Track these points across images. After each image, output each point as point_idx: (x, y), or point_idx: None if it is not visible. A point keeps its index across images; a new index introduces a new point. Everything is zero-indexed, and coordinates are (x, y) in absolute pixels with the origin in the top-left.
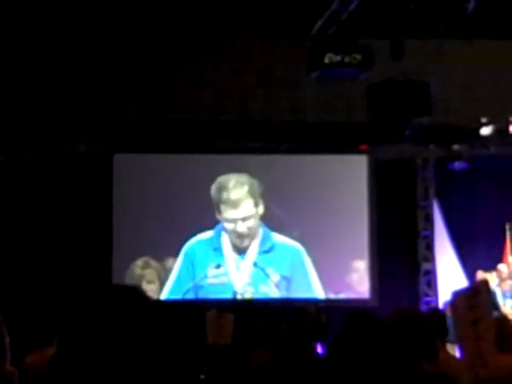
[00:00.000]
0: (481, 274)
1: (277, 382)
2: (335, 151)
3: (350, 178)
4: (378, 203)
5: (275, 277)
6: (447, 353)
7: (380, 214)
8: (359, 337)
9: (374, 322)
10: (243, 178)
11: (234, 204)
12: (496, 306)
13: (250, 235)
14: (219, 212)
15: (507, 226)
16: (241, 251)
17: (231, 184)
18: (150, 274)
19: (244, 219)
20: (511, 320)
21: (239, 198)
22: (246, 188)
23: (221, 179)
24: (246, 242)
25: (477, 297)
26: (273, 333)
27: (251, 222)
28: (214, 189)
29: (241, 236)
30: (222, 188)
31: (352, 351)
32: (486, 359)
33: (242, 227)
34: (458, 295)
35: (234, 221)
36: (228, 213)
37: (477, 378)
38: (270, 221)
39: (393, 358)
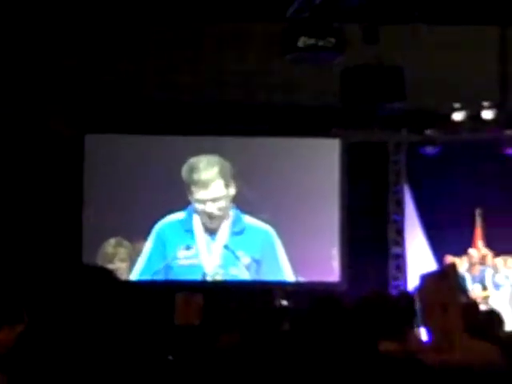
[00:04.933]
0: (450, 259)
1: (244, 364)
2: (307, 134)
3: (321, 161)
4: (349, 187)
5: (246, 259)
6: (415, 336)
7: (351, 198)
8: (322, 320)
9: (338, 306)
10: (214, 158)
11: (205, 184)
12: (464, 291)
13: (221, 216)
14: (190, 193)
15: (477, 212)
16: (211, 233)
17: (202, 165)
18: (122, 252)
19: (214, 200)
20: (479, 305)
21: (209, 178)
22: (216, 169)
23: (192, 160)
24: (216, 223)
25: (445, 280)
26: (242, 315)
27: (222, 203)
28: (185, 170)
29: (211, 217)
30: (193, 169)
31: (315, 335)
32: (453, 344)
33: (212, 208)
34: (426, 278)
35: (204, 201)
36: (198, 193)
37: (444, 362)
38: (241, 203)
39: (358, 341)
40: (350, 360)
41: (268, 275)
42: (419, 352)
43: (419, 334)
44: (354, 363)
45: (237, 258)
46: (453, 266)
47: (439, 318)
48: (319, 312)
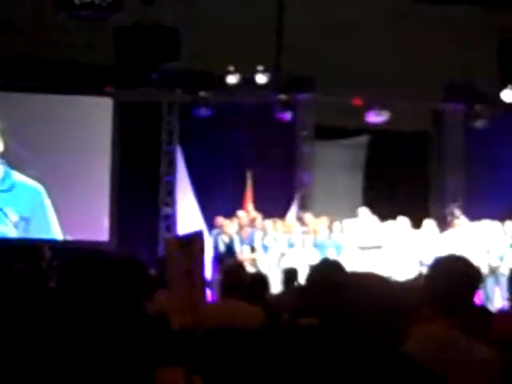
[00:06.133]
0: (220, 220)
1: (7, 321)
2: (81, 92)
3: (94, 119)
4: (121, 146)
5: (14, 217)
6: (164, 296)
7: (123, 158)
8: (81, 278)
9: (98, 264)
10: None
11: None
12: (233, 253)
13: None
14: None
15: (248, 174)
16: None
17: None
18: None
19: None
20: (247, 267)
21: None
22: None
23: None
24: None
25: (190, 246)
26: (5, 272)
27: None
28: None
29: None
30: None
31: (74, 293)
32: (195, 306)
33: None
34: (171, 242)
35: None
36: None
37: (184, 322)
38: (10, 159)
39: (114, 299)
40: (108, 316)
41: (36, 233)
42: (166, 311)
43: (168, 296)
44: (111, 319)
45: (5, 215)
46: (199, 233)
47: (183, 280)
48: (78, 270)
